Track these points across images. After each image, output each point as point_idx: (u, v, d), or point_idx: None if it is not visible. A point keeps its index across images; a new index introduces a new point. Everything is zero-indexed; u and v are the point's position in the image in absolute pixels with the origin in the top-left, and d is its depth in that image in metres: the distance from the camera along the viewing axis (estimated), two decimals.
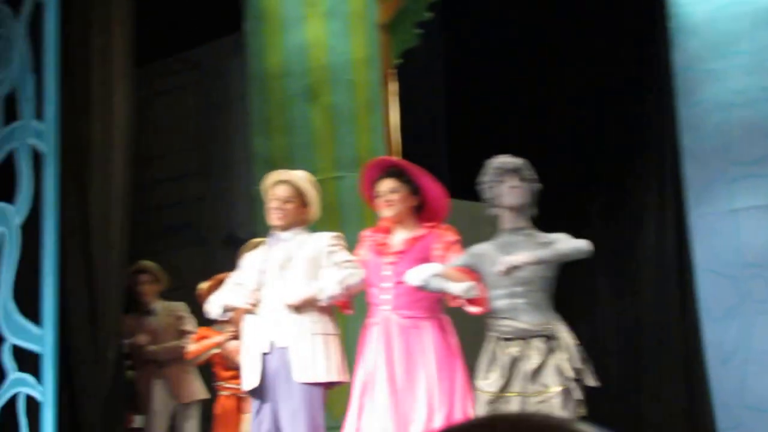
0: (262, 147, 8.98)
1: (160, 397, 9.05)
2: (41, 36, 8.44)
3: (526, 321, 5.94)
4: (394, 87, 8.85)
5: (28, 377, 8.08)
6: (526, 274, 5.95)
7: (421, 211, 6.52)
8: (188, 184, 11.77)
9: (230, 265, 9.12)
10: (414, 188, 6.46)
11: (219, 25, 10.67)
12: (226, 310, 6.73)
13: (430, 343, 6.22)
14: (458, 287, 5.99)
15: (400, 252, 6.37)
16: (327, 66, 8.72)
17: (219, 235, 11.07)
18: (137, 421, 9.52)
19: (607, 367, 9.46)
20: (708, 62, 7.79)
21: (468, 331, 6.57)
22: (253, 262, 6.74)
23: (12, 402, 8.10)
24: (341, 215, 8.31)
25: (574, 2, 9.96)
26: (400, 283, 6.26)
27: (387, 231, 6.49)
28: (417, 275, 6.08)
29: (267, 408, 6.45)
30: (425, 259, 6.25)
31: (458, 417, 6.08)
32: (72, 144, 8.57)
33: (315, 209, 6.80)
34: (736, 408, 7.53)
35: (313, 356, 6.35)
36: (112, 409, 8.43)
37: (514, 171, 6.07)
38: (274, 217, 6.68)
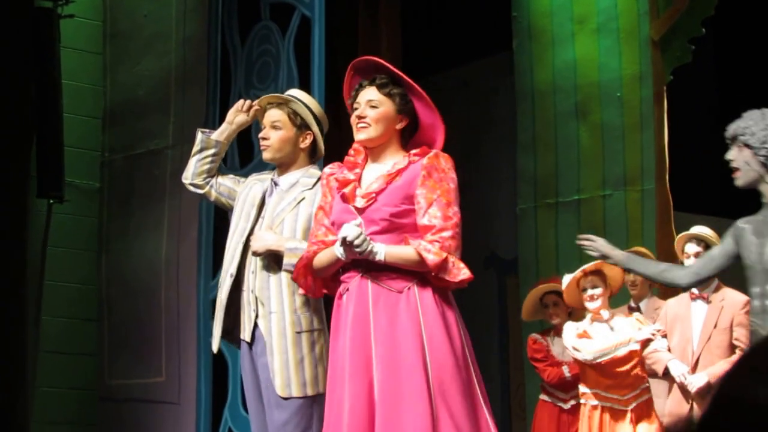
0: (527, 164, 8.94)
1: None
2: (308, 52, 8.43)
3: None
4: (665, 105, 8.56)
5: None
6: None
7: (409, 140, 4.81)
8: None
9: (489, 287, 8.85)
10: (403, 105, 4.71)
11: (487, 44, 10.61)
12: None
13: (413, 318, 4.47)
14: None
15: (375, 192, 4.61)
16: (597, 83, 8.59)
17: (479, 255, 10.84)
18: None
19: None
20: None
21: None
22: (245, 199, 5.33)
23: None
24: (606, 234, 8.02)
25: None
26: (375, 234, 4.54)
27: (355, 166, 4.76)
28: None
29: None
30: (408, 199, 4.56)
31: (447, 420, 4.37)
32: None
33: (319, 140, 5.29)
34: None
35: (296, 362, 4.97)
36: None
37: None
38: (262, 148, 5.26)
